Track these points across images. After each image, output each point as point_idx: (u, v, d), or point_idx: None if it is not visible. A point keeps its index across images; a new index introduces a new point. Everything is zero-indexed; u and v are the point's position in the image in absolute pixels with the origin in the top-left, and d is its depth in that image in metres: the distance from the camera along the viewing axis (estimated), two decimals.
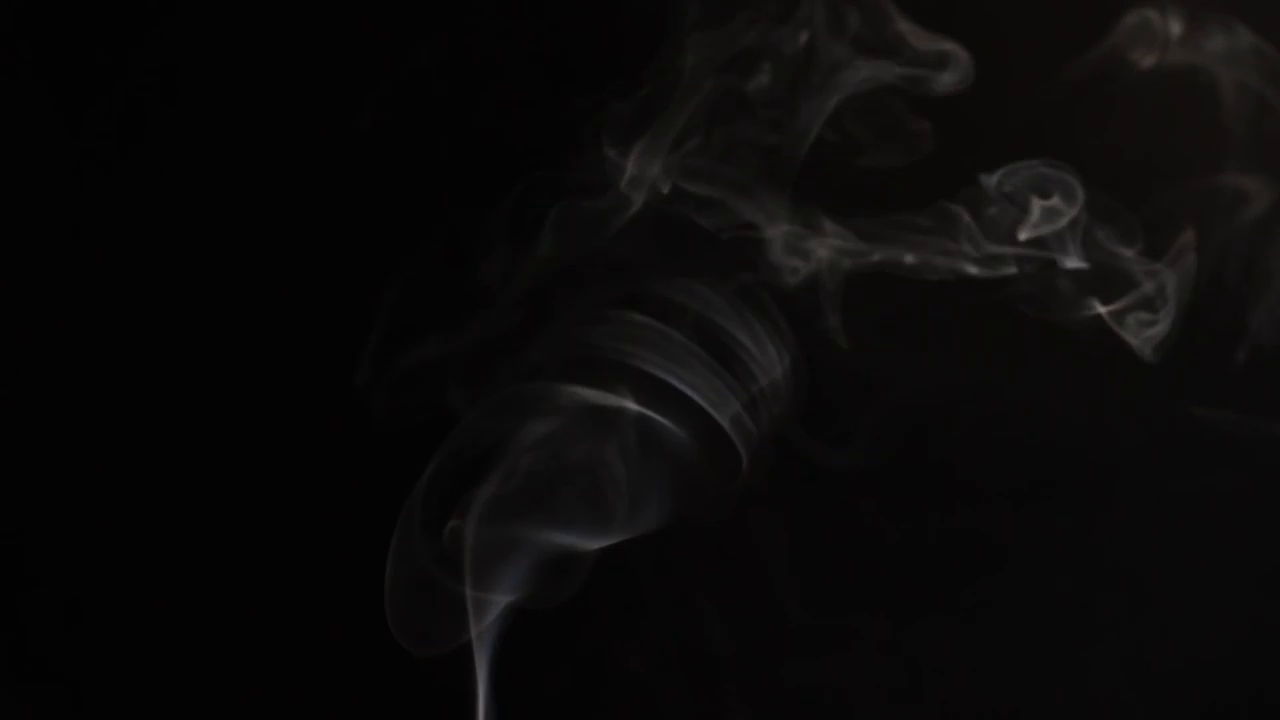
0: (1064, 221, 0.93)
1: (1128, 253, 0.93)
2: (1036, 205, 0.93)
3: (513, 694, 0.95)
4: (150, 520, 1.03)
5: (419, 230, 0.98)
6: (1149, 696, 0.98)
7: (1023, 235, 0.93)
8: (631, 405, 0.92)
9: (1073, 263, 0.92)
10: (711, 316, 0.94)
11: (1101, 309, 0.93)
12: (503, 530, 0.92)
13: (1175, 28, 0.94)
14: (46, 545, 1.03)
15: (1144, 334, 0.94)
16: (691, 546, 1.00)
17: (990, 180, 0.93)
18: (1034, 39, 0.98)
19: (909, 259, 0.94)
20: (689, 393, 0.93)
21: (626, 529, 0.93)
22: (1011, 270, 0.93)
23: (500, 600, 0.91)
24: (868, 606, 0.99)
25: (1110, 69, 0.96)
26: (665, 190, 0.94)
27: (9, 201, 1.03)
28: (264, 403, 1.02)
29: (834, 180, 0.95)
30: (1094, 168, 0.94)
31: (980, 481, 0.98)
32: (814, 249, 0.94)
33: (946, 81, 0.94)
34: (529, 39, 1.00)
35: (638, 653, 1.01)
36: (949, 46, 0.94)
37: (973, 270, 0.93)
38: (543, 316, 0.95)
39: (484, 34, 1.00)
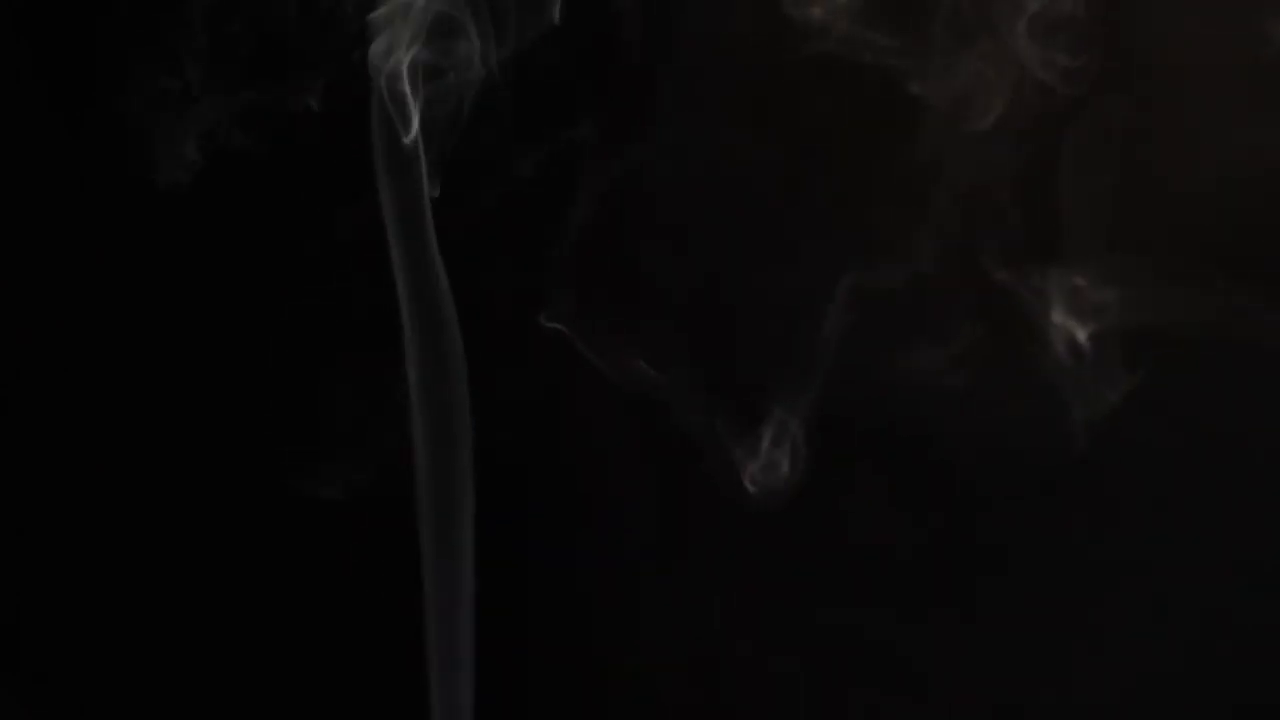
0: None
1: None
2: None
3: (510, 694, 0.95)
4: (150, 521, 1.03)
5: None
6: (1150, 697, 0.98)
7: None
8: None
9: None
10: None
11: None
12: None
13: None
14: (46, 547, 1.04)
15: None
16: (692, 546, 1.00)
17: None
18: None
19: None
20: None
21: None
22: None
23: None
24: (868, 605, 0.99)
25: None
26: None
27: (9, 201, 1.03)
28: (265, 402, 1.02)
29: None
30: None
31: (980, 482, 0.98)
32: None
33: None
34: None
35: (638, 653, 1.01)
36: None
37: None
38: None
39: None
